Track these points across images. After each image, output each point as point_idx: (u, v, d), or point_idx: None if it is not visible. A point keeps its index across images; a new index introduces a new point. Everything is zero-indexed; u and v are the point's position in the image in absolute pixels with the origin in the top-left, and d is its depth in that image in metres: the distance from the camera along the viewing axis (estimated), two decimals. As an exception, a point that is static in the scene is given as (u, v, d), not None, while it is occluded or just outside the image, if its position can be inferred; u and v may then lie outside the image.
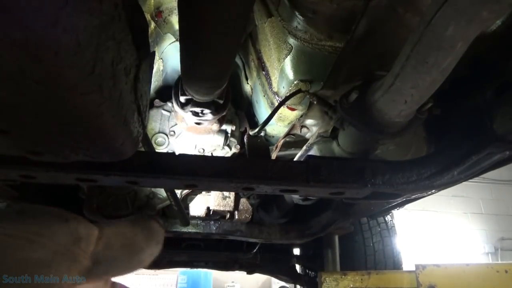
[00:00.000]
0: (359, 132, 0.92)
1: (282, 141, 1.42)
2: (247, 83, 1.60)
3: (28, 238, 0.53)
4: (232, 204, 1.75)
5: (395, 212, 1.93)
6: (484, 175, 1.06)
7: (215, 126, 1.47)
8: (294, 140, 1.50)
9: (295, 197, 1.41)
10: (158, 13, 1.36)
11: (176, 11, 1.33)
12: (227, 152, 1.66)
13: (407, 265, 2.28)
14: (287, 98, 1.15)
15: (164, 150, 1.58)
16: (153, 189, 1.62)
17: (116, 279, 0.71)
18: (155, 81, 1.59)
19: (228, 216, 1.82)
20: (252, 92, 1.57)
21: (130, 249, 0.67)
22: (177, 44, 1.40)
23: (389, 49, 0.90)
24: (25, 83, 0.38)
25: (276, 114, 1.26)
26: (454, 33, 0.59)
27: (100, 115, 0.49)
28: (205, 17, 0.68)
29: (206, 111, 1.25)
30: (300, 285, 3.00)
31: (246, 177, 0.88)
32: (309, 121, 1.36)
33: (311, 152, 1.15)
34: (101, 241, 0.62)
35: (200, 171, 0.86)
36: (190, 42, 0.80)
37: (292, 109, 1.30)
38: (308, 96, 1.15)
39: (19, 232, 0.54)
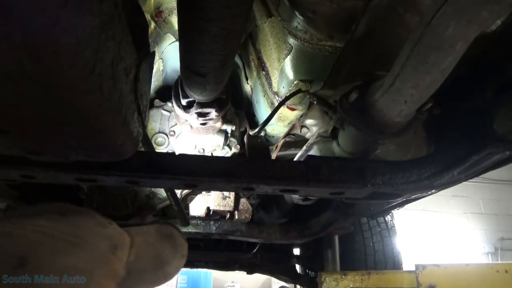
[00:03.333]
0: (359, 132, 0.91)
1: (282, 141, 1.42)
2: (247, 83, 1.60)
3: (70, 240, 0.51)
4: (232, 204, 1.75)
5: (395, 212, 1.93)
6: (484, 175, 1.06)
7: (219, 124, 1.48)
8: (294, 140, 1.50)
9: (295, 197, 1.41)
10: (158, 13, 1.36)
11: (176, 11, 1.33)
12: (227, 152, 1.66)
13: (407, 265, 2.28)
14: (287, 98, 1.15)
15: (164, 150, 1.58)
16: (153, 189, 1.62)
17: None
18: (155, 81, 1.59)
19: (228, 216, 1.82)
20: (252, 92, 1.57)
21: (158, 262, 0.64)
22: (177, 44, 1.40)
23: (389, 49, 0.90)
24: (25, 83, 0.38)
25: (276, 114, 1.26)
26: (454, 33, 0.59)
27: (100, 115, 0.49)
28: (205, 17, 0.68)
29: (210, 110, 1.25)
30: (300, 285, 3.00)
31: (246, 177, 0.88)
32: (309, 121, 1.36)
33: (311, 152, 1.15)
34: (133, 251, 0.59)
35: (200, 171, 0.86)
36: (190, 42, 0.80)
37: (292, 109, 1.30)
38: (308, 96, 1.15)
39: (61, 233, 0.51)
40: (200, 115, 1.27)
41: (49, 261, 0.48)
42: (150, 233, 0.67)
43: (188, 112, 1.26)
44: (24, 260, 0.46)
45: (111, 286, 0.52)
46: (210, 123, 1.38)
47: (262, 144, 1.52)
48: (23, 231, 0.50)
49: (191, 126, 1.43)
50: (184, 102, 1.23)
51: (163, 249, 0.66)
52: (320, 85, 1.12)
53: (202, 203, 1.79)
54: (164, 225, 0.71)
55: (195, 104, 1.24)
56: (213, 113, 1.27)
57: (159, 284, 0.65)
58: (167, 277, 0.65)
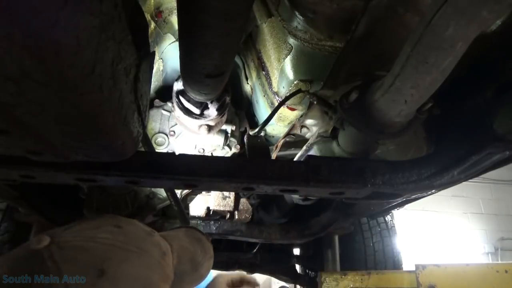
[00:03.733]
0: (359, 132, 0.91)
1: (282, 141, 1.42)
2: (247, 83, 1.60)
3: (131, 250, 0.56)
4: (232, 204, 1.75)
5: (395, 212, 1.93)
6: (484, 175, 1.06)
7: (219, 124, 1.48)
8: (294, 140, 1.50)
9: (295, 197, 1.41)
10: (158, 13, 1.36)
11: (176, 11, 1.33)
12: (227, 152, 1.66)
13: (407, 265, 2.28)
14: (287, 98, 1.15)
15: (164, 150, 1.58)
16: (153, 189, 1.61)
17: None
18: (155, 81, 1.59)
19: (228, 216, 1.82)
20: (252, 92, 1.57)
21: (194, 264, 0.69)
22: (177, 44, 1.39)
23: (389, 49, 0.90)
24: (25, 83, 0.38)
25: (276, 114, 1.26)
26: (454, 33, 0.59)
27: (100, 115, 0.49)
28: (205, 17, 0.68)
29: (210, 110, 1.26)
30: (300, 285, 3.00)
31: (246, 177, 0.88)
32: (309, 121, 1.36)
33: (311, 152, 1.15)
34: (175, 255, 0.64)
35: (200, 171, 0.86)
36: (190, 42, 0.80)
37: (292, 109, 1.30)
38: (308, 96, 1.15)
39: (123, 244, 0.56)
40: (200, 115, 1.27)
41: (121, 270, 0.53)
42: (182, 238, 0.72)
43: (188, 112, 1.26)
44: (102, 271, 0.51)
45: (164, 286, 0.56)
46: (210, 123, 1.38)
47: (262, 144, 1.52)
48: (94, 244, 0.55)
49: (191, 126, 1.43)
50: (184, 102, 1.23)
51: (196, 252, 0.71)
52: (320, 85, 1.12)
53: (202, 203, 1.79)
54: (191, 230, 0.77)
55: (195, 104, 1.24)
56: (213, 113, 1.27)
57: (195, 285, 0.71)
58: (201, 278, 0.70)
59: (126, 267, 0.54)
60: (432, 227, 7.55)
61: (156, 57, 1.48)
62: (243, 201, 1.81)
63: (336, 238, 2.22)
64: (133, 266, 0.54)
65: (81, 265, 0.51)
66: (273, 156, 1.46)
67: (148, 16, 1.34)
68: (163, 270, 0.57)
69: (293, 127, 1.37)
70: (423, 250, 7.12)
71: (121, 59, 0.48)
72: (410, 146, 1.06)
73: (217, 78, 0.95)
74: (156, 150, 1.48)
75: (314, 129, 1.37)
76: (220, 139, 1.62)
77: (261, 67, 1.33)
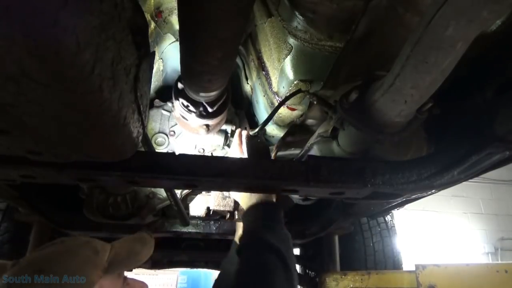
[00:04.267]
0: (359, 132, 0.91)
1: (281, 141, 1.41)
2: (247, 83, 1.60)
3: (67, 253, 0.83)
4: (232, 204, 1.75)
5: (395, 212, 1.93)
6: (484, 175, 1.06)
7: (219, 124, 1.48)
8: (294, 140, 1.50)
9: (295, 197, 1.41)
10: (158, 13, 1.36)
11: (176, 11, 1.33)
12: (227, 152, 1.66)
13: (407, 265, 2.28)
14: (287, 98, 1.15)
15: (164, 150, 1.58)
16: (153, 189, 1.62)
17: (126, 273, 1.05)
18: (155, 81, 1.59)
19: (228, 216, 1.82)
20: (252, 92, 1.57)
21: (130, 253, 0.97)
22: (177, 44, 1.40)
23: (389, 49, 0.90)
24: (25, 83, 0.38)
25: (276, 114, 1.26)
26: (454, 33, 0.59)
27: (100, 115, 0.49)
28: (205, 17, 0.68)
29: (210, 110, 1.26)
30: (300, 285, 3.00)
31: (246, 177, 0.88)
32: (309, 121, 1.36)
33: (311, 152, 1.15)
34: (113, 250, 0.90)
35: (200, 171, 0.86)
36: (190, 42, 0.80)
37: (292, 109, 1.30)
38: (308, 96, 1.15)
39: (60, 251, 0.83)
40: (200, 115, 1.27)
41: (56, 267, 0.76)
42: (127, 239, 1.00)
43: (188, 113, 1.26)
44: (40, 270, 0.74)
45: (97, 272, 0.82)
46: (210, 123, 1.38)
47: (262, 144, 1.52)
48: (37, 253, 0.82)
49: (190, 126, 1.43)
50: (184, 102, 1.23)
51: (134, 245, 0.99)
52: (320, 85, 1.11)
53: (202, 203, 1.79)
54: (139, 233, 1.06)
55: (195, 104, 1.24)
56: (213, 113, 1.27)
57: (134, 266, 1.05)
58: (140, 261, 1.00)
59: (60, 264, 0.77)
60: (432, 227, 7.55)
61: (156, 57, 1.48)
62: (243, 201, 1.81)
63: (336, 238, 2.22)
64: (66, 263, 0.78)
65: (22, 268, 0.74)
66: (273, 156, 1.46)
67: (148, 16, 1.34)
68: (94, 262, 0.83)
69: (293, 127, 1.37)
70: (423, 250, 7.12)
71: (121, 59, 0.48)
72: (410, 146, 1.06)
73: (217, 78, 0.95)
74: (156, 150, 1.48)
75: (314, 129, 1.37)
76: (220, 139, 1.62)
77: (261, 67, 1.33)
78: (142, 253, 1.00)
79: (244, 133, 1.38)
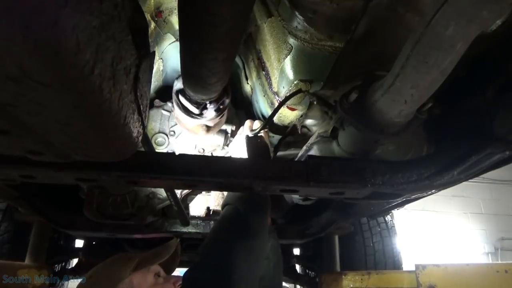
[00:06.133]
0: (359, 132, 0.91)
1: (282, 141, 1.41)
2: (247, 83, 1.60)
3: (106, 264, 1.26)
4: (232, 204, 1.75)
5: (395, 212, 1.93)
6: (484, 175, 1.06)
7: (220, 124, 1.48)
8: (294, 140, 1.50)
9: (295, 197, 1.41)
10: (158, 13, 1.36)
11: (176, 11, 1.33)
12: (227, 152, 1.66)
13: (407, 265, 2.28)
14: (287, 98, 1.15)
15: (164, 150, 1.58)
16: (153, 189, 1.62)
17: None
18: (155, 81, 1.59)
19: (228, 216, 1.81)
20: (252, 92, 1.57)
21: (154, 253, 1.32)
22: (177, 44, 1.40)
23: (389, 49, 0.90)
24: (25, 83, 0.38)
25: (276, 114, 1.26)
26: (454, 33, 0.59)
27: (100, 115, 0.49)
28: (206, 17, 0.68)
29: (210, 110, 1.26)
30: (300, 285, 3.00)
31: (246, 177, 0.88)
32: (309, 121, 1.36)
33: (311, 152, 1.15)
34: (141, 255, 1.27)
35: (200, 171, 0.86)
36: (190, 42, 0.80)
37: (292, 109, 1.30)
38: (308, 96, 1.15)
39: (102, 265, 1.26)
40: (200, 115, 1.27)
41: (98, 274, 1.21)
42: (157, 248, 1.36)
43: (187, 112, 1.26)
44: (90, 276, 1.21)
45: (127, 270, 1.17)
46: (209, 123, 1.38)
47: (262, 144, 1.52)
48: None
49: (190, 126, 1.43)
50: (184, 102, 1.23)
51: (158, 248, 1.36)
52: (320, 85, 1.11)
53: (202, 203, 1.79)
54: (168, 241, 1.40)
55: (195, 104, 1.24)
56: (212, 113, 1.27)
57: (159, 261, 1.30)
58: (162, 258, 1.31)
59: (101, 271, 1.20)
60: (432, 227, 7.55)
61: (156, 57, 1.48)
62: (243, 201, 1.81)
63: (336, 238, 2.22)
64: (105, 269, 1.20)
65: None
66: (273, 156, 1.46)
67: (148, 16, 1.34)
68: (126, 265, 1.18)
69: (293, 127, 1.37)
70: (423, 250, 7.12)
71: (121, 59, 0.48)
72: (410, 146, 1.06)
73: (217, 78, 0.95)
74: (156, 150, 1.48)
75: (314, 129, 1.37)
76: (220, 139, 1.62)
77: (261, 67, 1.33)
78: (163, 252, 1.33)
79: (257, 123, 1.38)
